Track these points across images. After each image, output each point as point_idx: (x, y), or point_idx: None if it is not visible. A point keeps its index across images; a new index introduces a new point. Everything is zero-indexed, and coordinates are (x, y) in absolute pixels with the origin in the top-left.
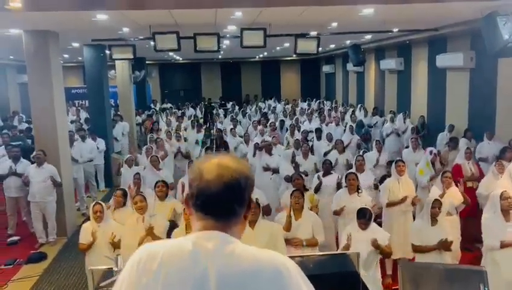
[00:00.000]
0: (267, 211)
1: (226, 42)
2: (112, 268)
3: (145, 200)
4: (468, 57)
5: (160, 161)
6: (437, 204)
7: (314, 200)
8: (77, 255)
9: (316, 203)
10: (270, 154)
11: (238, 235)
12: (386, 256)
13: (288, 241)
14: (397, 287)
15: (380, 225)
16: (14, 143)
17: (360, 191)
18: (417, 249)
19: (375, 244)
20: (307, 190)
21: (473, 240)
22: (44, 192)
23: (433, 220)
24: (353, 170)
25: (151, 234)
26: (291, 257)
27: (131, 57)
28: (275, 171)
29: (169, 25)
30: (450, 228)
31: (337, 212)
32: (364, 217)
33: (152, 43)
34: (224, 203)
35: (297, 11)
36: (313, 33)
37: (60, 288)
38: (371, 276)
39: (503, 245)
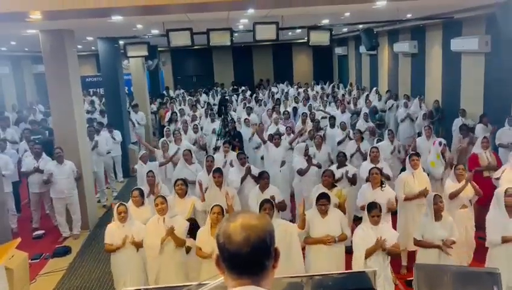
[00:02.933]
0: (282, 207)
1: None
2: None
3: (166, 202)
4: (484, 41)
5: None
6: (438, 199)
7: (343, 195)
8: (100, 249)
9: (345, 199)
10: (277, 146)
11: (269, 285)
12: (393, 256)
13: (319, 240)
14: (411, 278)
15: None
16: (34, 137)
17: (384, 185)
18: (417, 243)
19: (382, 246)
20: (335, 186)
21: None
22: (70, 187)
23: (437, 216)
24: (368, 161)
25: (171, 234)
26: (312, 276)
27: (146, 54)
28: (283, 163)
29: (182, 21)
30: (465, 219)
31: (364, 207)
32: (375, 207)
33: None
34: (256, 263)
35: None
36: (325, 21)
37: (85, 282)
38: (382, 272)
39: (505, 240)
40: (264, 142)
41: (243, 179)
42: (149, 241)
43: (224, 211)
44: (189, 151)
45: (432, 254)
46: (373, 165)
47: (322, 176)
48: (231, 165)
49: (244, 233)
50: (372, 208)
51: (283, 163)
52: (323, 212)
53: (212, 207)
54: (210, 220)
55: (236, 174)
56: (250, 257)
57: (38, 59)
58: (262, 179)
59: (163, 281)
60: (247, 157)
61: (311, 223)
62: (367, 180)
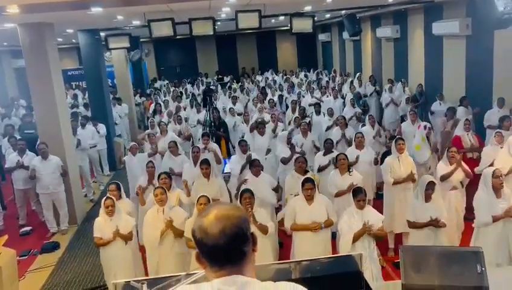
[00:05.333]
0: (277, 189)
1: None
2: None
3: (165, 193)
4: (464, 24)
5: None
6: (431, 186)
7: (316, 179)
8: (89, 243)
9: (318, 183)
10: (262, 134)
11: (252, 272)
12: (379, 240)
13: (305, 227)
14: (399, 260)
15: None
16: (27, 131)
17: (350, 170)
18: (411, 225)
19: (368, 229)
20: (307, 171)
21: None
22: (56, 183)
23: (427, 198)
24: (353, 147)
25: (171, 226)
26: (300, 262)
27: (128, 45)
28: (268, 151)
29: (163, 11)
30: (455, 201)
31: (339, 194)
32: (360, 192)
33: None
34: (235, 252)
35: None
36: (308, 8)
37: (75, 276)
38: (368, 256)
39: (495, 219)
40: (251, 130)
41: (243, 167)
42: (148, 233)
43: (211, 201)
44: (175, 142)
45: (424, 236)
46: (358, 151)
47: (295, 163)
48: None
49: (220, 224)
50: (358, 193)
51: (268, 151)
52: (310, 198)
53: (199, 198)
54: (197, 211)
55: (236, 162)
56: (228, 247)
57: (19, 53)
58: (254, 167)
59: (163, 272)
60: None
61: (297, 209)
62: (350, 165)
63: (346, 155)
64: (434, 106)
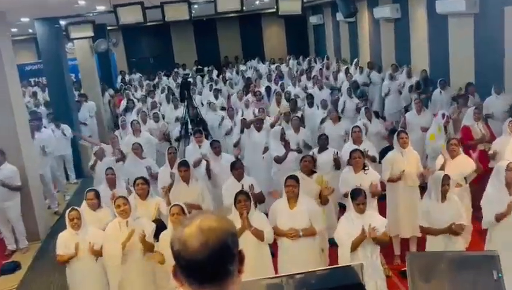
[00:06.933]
0: (260, 199)
1: None
2: None
3: (128, 203)
4: (471, 1)
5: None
6: (447, 181)
7: (324, 182)
8: (54, 262)
9: (326, 185)
10: (259, 131)
11: None
12: (382, 245)
13: (282, 233)
14: (405, 268)
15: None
16: None
17: (366, 168)
18: (425, 231)
19: (371, 235)
20: (315, 172)
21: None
22: (3, 197)
23: (443, 197)
24: (350, 142)
25: (142, 241)
26: (292, 275)
27: (92, 34)
28: (266, 149)
29: None
30: (460, 199)
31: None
32: (360, 194)
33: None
34: (218, 270)
35: None
36: None
37: None
38: (370, 265)
39: (499, 217)
40: (248, 126)
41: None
42: (109, 249)
43: (186, 210)
44: (139, 144)
45: (439, 241)
46: (356, 147)
47: (301, 161)
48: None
49: (202, 237)
50: (357, 194)
51: (266, 149)
52: (293, 198)
53: (171, 208)
54: (171, 224)
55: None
56: (210, 263)
57: None
58: (236, 169)
59: None
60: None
61: (278, 213)
62: (349, 163)
63: (361, 151)
64: (434, 95)
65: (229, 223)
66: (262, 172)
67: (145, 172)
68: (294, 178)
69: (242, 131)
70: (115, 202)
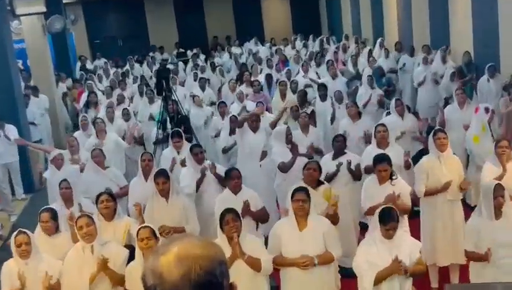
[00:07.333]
0: (263, 218)
1: None
2: None
3: (93, 223)
4: None
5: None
6: (500, 192)
7: (333, 196)
8: None
9: (335, 201)
10: (255, 131)
11: None
12: (416, 277)
13: (292, 262)
14: None
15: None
16: None
17: (394, 177)
18: (471, 256)
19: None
20: (322, 183)
21: None
22: None
23: (497, 213)
24: (374, 144)
25: (104, 269)
26: None
27: (44, 10)
28: (265, 155)
29: None
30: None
31: (370, 212)
32: (392, 219)
33: None
34: None
35: None
36: None
37: None
38: None
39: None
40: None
41: (198, 184)
42: (70, 282)
43: (157, 233)
44: (100, 150)
45: (488, 269)
46: (380, 151)
47: (304, 169)
48: (182, 164)
49: (182, 267)
50: (388, 218)
51: (264, 155)
52: (302, 217)
53: (138, 231)
54: (139, 251)
55: (190, 176)
56: None
57: None
58: (231, 179)
59: None
60: (205, 151)
61: (283, 236)
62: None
63: (390, 159)
64: (480, 85)
65: (216, 248)
66: (260, 184)
67: (108, 185)
68: (304, 190)
69: (233, 132)
70: (76, 223)
